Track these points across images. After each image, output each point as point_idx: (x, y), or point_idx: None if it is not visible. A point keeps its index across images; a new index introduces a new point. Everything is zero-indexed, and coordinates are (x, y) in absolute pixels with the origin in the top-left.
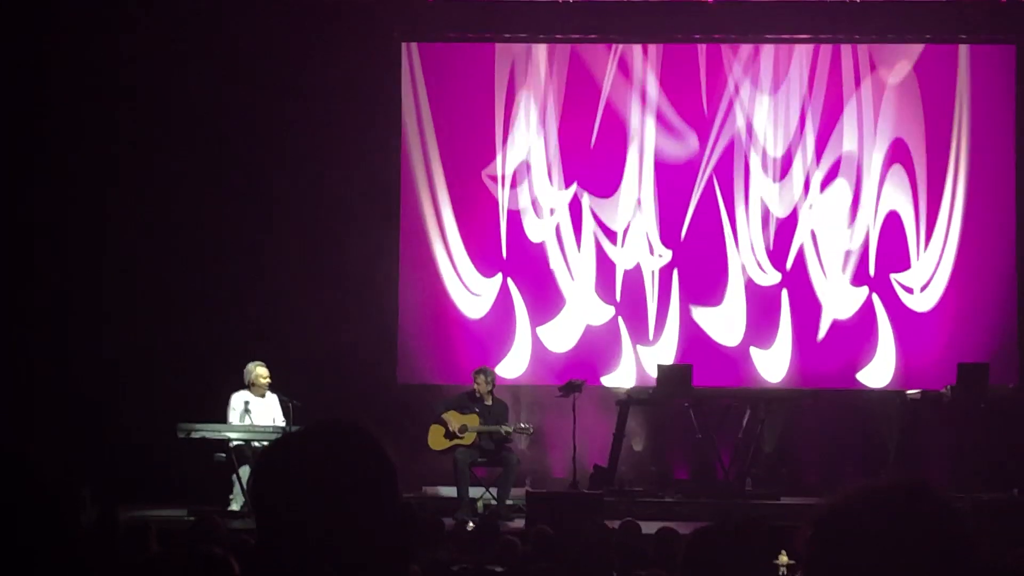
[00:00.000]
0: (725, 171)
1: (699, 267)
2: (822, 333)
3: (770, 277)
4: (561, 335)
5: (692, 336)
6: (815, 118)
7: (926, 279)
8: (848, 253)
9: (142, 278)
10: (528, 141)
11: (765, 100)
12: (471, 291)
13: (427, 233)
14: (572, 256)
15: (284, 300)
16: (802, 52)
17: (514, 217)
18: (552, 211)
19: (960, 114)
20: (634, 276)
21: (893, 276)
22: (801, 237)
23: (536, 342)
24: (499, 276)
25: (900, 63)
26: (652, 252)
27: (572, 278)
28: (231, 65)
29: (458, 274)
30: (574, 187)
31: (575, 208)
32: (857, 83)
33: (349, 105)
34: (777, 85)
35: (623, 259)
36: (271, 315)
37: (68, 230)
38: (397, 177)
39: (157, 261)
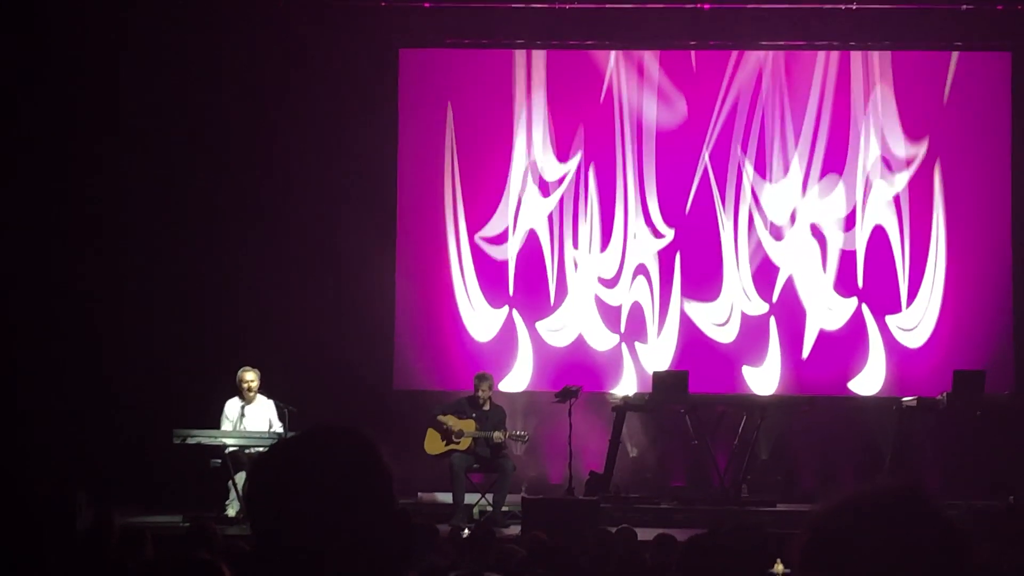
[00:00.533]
0: (720, 172)
1: (699, 250)
2: (812, 346)
3: (758, 307)
4: (560, 330)
5: (688, 334)
6: (806, 129)
7: (919, 307)
8: (837, 268)
9: (138, 284)
10: (529, 139)
11: (759, 111)
12: (474, 306)
13: (425, 242)
14: (571, 239)
15: (281, 306)
16: (795, 61)
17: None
18: (558, 182)
19: (952, 122)
20: (636, 310)
21: (888, 318)
22: (789, 268)
23: (535, 336)
24: (506, 308)
25: (889, 72)
26: (653, 230)
27: (576, 268)
28: (226, 74)
29: (466, 287)
30: (577, 161)
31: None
32: (866, 93)
33: (346, 111)
34: (772, 93)
35: (625, 298)
36: (267, 320)
37: (63, 237)
38: (394, 183)
39: (153, 268)
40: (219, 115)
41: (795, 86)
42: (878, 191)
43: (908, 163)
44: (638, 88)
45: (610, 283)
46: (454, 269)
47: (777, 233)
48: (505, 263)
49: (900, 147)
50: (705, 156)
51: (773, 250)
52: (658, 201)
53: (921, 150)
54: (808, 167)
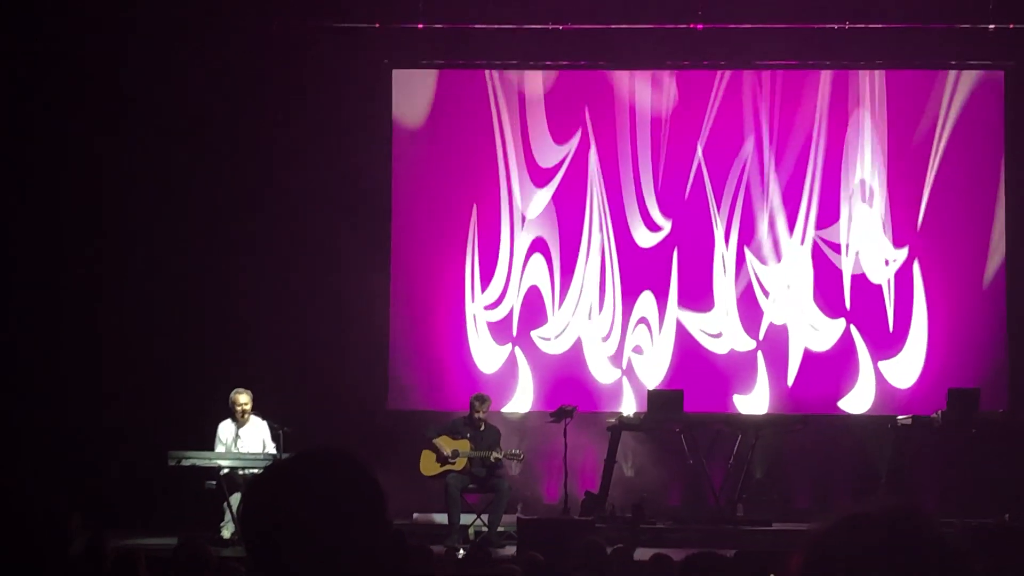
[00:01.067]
0: (716, 185)
1: (694, 252)
2: (799, 367)
3: (745, 343)
4: (557, 339)
5: (684, 344)
6: (793, 153)
7: (910, 347)
8: (823, 292)
9: (132, 306)
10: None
11: (749, 134)
12: (479, 333)
13: (417, 263)
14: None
15: (274, 327)
16: (785, 81)
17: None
18: (554, 169)
19: (943, 140)
20: (637, 349)
21: (880, 364)
22: (780, 318)
23: (534, 359)
24: (509, 346)
25: (881, 92)
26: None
27: (586, 261)
28: (218, 98)
29: (475, 321)
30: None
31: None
32: (853, 110)
33: (340, 131)
34: (760, 114)
35: (628, 343)
36: (261, 342)
37: (60, 258)
38: (388, 203)
39: (148, 289)
40: (212, 139)
41: (787, 118)
42: (864, 217)
43: (894, 184)
44: (630, 90)
45: (607, 336)
46: (466, 293)
47: (766, 291)
48: (508, 318)
49: (882, 173)
50: (699, 152)
51: (764, 303)
52: (655, 193)
53: (913, 174)
54: (803, 239)
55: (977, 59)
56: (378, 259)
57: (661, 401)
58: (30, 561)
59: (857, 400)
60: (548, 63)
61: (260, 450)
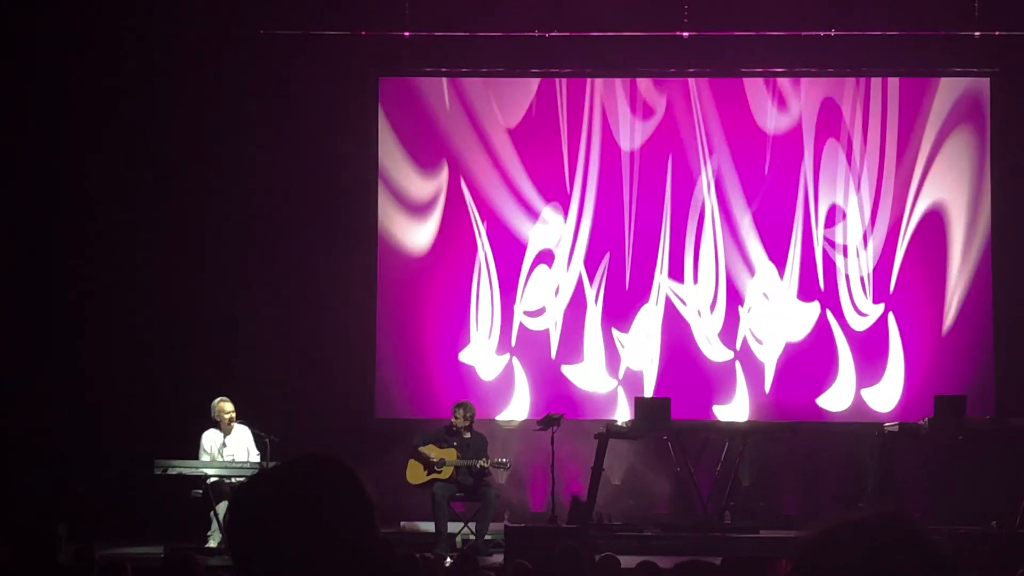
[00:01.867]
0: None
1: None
2: (779, 365)
3: (723, 354)
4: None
5: (671, 319)
6: (781, 157)
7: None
8: (804, 292)
9: (119, 314)
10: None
11: (730, 142)
12: (474, 345)
13: (407, 269)
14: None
15: (261, 334)
16: (777, 89)
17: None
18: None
19: (930, 147)
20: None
21: (863, 391)
22: (759, 332)
23: (531, 366)
24: (507, 356)
25: (865, 98)
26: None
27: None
28: (205, 105)
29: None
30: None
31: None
32: (840, 119)
33: (326, 139)
34: (748, 123)
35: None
36: (247, 349)
37: (45, 269)
38: (375, 212)
39: (134, 298)
40: (199, 147)
41: (762, 113)
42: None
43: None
44: (628, 113)
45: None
46: (420, 291)
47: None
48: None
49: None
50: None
51: (742, 313)
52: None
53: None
54: (789, 285)
55: (962, 66)
56: (364, 265)
57: (648, 409)
58: (19, 571)
59: (836, 397)
60: (535, 70)
61: (245, 458)
